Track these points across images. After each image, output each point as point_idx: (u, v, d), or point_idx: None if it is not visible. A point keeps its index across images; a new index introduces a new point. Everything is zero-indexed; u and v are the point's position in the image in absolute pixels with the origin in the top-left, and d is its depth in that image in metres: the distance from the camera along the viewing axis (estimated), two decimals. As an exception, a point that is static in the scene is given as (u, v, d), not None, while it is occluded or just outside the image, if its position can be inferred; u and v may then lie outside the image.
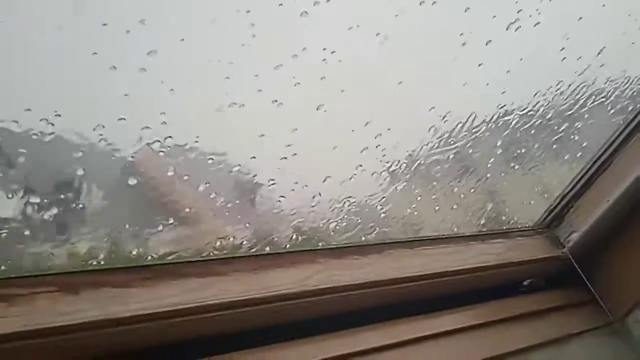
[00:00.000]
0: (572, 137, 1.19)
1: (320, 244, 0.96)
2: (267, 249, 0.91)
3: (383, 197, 1.03)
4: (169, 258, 0.82)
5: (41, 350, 0.64)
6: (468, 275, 1.06)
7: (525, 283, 1.22)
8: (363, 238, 1.01)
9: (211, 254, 0.85)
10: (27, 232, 0.73)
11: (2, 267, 0.71)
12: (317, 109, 0.89)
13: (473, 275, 1.07)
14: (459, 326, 1.01)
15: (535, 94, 1.12)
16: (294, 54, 0.82)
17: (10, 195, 0.71)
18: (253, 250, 0.89)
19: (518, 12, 0.98)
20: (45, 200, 0.74)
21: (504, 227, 1.21)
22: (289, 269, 0.87)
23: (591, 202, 1.19)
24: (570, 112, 1.18)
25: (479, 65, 1.01)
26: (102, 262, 0.77)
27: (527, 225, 1.26)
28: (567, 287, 1.22)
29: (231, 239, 0.89)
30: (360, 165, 0.98)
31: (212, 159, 0.86)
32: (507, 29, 0.99)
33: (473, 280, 1.08)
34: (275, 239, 0.93)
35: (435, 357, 0.96)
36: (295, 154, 0.89)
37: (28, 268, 0.74)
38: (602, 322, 1.17)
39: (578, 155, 1.25)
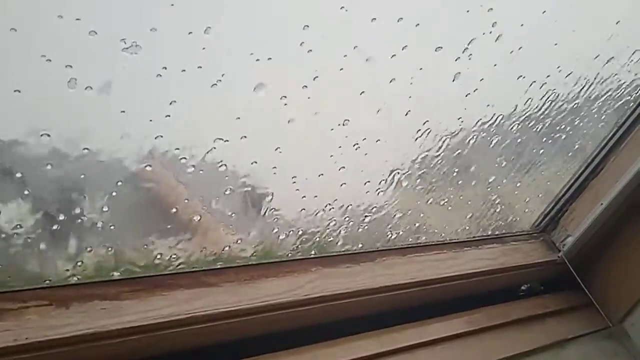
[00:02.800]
0: (565, 138, 1.19)
1: (312, 252, 0.96)
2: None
3: (384, 203, 1.03)
4: (170, 268, 0.82)
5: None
6: (462, 281, 1.06)
7: (522, 288, 1.22)
8: (360, 245, 1.01)
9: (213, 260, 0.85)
10: (31, 243, 0.73)
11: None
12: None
13: (467, 281, 1.07)
14: (453, 333, 1.01)
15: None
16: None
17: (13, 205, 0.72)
18: (255, 257, 0.89)
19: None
20: (48, 211, 0.74)
21: (498, 233, 1.21)
22: (281, 278, 0.87)
23: (585, 206, 1.19)
24: (564, 113, 1.19)
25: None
26: (113, 274, 0.77)
27: (522, 230, 1.26)
28: (563, 292, 1.22)
29: (234, 246, 0.89)
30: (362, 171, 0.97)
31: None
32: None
33: (467, 287, 1.08)
34: (278, 245, 0.93)
35: (430, 364, 0.96)
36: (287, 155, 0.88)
37: (29, 279, 0.74)
38: (599, 326, 1.17)
39: (571, 156, 1.25)
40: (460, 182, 1.16)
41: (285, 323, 0.85)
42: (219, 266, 0.83)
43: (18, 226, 0.70)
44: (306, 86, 0.83)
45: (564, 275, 1.21)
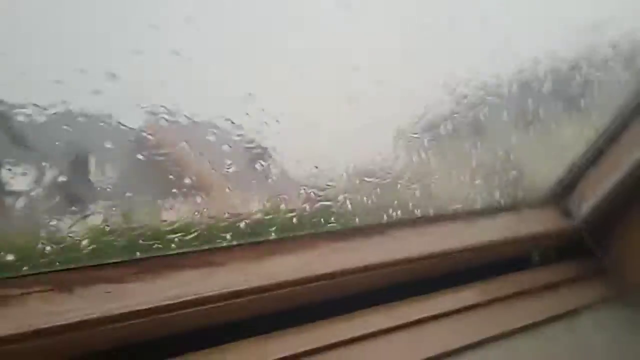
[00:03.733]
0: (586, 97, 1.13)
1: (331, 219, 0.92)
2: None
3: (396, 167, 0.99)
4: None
5: (35, 352, 0.63)
6: (474, 252, 1.04)
7: (536, 257, 1.19)
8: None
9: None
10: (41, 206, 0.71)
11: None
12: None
13: (479, 252, 1.05)
14: (465, 305, 0.99)
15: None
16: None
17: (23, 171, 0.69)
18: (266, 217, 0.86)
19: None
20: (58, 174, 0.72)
21: (511, 201, 1.17)
22: (289, 255, 0.85)
23: (603, 172, 1.15)
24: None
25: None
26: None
27: (536, 197, 1.22)
28: (578, 259, 1.19)
29: (244, 209, 0.86)
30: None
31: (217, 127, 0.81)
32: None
33: (480, 257, 1.06)
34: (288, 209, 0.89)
35: (442, 337, 0.94)
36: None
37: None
38: (614, 294, 1.15)
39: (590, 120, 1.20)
40: (472, 144, 1.12)
41: (295, 300, 0.83)
42: (225, 245, 0.81)
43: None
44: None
45: (579, 243, 1.18)
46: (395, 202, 1.02)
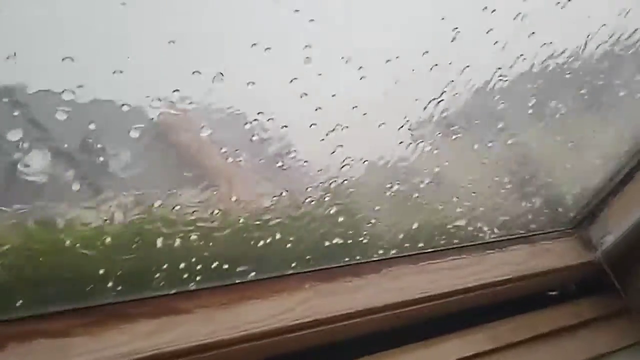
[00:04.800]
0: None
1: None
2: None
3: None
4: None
5: None
6: (484, 291, 0.92)
7: (554, 293, 1.07)
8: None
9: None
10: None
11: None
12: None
13: (490, 290, 0.93)
14: (474, 352, 0.87)
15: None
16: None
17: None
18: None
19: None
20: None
21: (526, 231, 1.05)
22: (267, 299, 0.74)
23: (631, 200, 1.02)
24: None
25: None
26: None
27: (554, 226, 1.09)
28: (599, 297, 1.06)
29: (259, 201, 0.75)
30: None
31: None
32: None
33: (490, 297, 0.94)
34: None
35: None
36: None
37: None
38: (638, 339, 1.02)
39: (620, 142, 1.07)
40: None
41: (271, 351, 0.72)
42: (190, 289, 0.70)
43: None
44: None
45: (601, 278, 1.06)
46: (392, 233, 0.90)
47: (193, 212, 0.70)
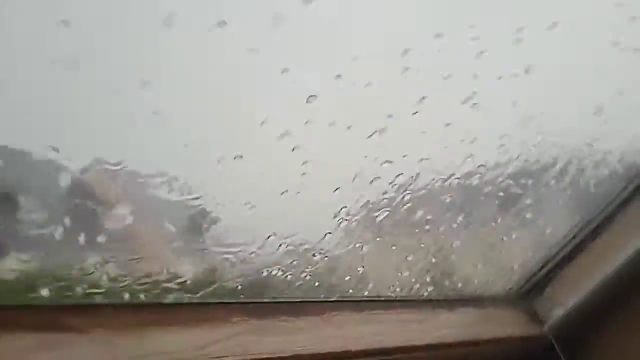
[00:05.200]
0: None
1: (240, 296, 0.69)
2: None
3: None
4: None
5: None
6: (429, 352, 0.82)
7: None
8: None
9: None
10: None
11: None
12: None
13: (436, 352, 0.83)
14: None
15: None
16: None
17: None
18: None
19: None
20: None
21: (474, 294, 0.98)
22: (186, 327, 0.60)
23: (580, 273, 0.99)
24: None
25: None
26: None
27: (501, 294, 1.03)
28: (545, 373, 0.99)
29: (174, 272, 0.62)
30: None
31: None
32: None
33: (435, 358, 0.84)
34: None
35: None
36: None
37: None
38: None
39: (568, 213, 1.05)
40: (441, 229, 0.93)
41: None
42: (86, 302, 0.55)
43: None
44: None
45: (548, 353, 0.99)
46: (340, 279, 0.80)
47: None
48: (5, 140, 0.52)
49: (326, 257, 0.77)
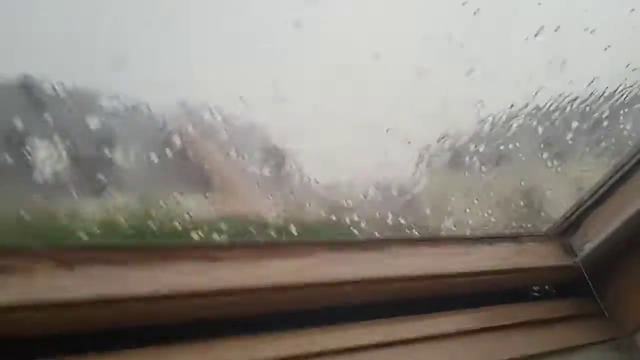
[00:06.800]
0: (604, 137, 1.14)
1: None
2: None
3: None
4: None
5: (37, 322, 0.66)
6: (471, 278, 1.05)
7: (534, 289, 1.19)
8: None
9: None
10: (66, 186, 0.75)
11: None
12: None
13: (476, 278, 1.05)
14: (459, 329, 1.00)
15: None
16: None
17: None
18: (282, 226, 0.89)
19: None
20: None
21: (515, 231, 1.18)
22: (286, 260, 0.87)
23: (610, 213, 1.15)
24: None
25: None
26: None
27: (540, 230, 1.22)
28: (575, 298, 1.19)
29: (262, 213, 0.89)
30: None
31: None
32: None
33: (476, 284, 1.06)
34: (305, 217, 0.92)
35: (430, 358, 0.95)
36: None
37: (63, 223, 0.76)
38: (608, 336, 1.14)
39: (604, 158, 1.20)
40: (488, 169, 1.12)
41: (287, 305, 0.85)
42: (226, 243, 0.84)
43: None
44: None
45: (579, 281, 1.18)
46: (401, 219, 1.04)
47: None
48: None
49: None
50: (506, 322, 1.06)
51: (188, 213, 0.84)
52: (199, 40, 0.74)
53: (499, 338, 1.04)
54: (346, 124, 0.89)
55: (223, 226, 0.87)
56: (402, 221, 1.03)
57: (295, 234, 0.94)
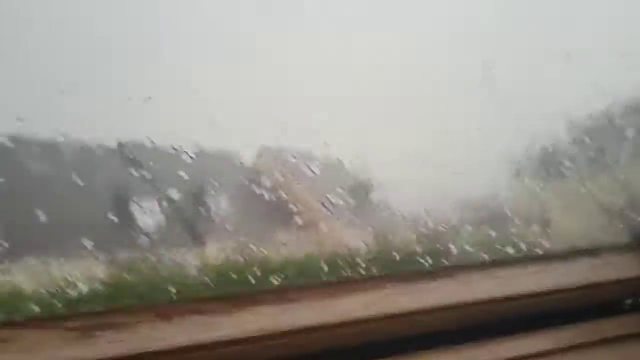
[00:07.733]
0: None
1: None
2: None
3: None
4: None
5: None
6: (545, 297, 1.04)
7: (627, 302, 1.15)
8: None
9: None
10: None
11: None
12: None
13: (552, 297, 1.05)
14: (539, 350, 1.00)
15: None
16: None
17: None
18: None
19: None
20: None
21: (590, 245, 1.15)
22: (357, 295, 0.93)
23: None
24: None
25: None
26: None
27: (619, 241, 1.19)
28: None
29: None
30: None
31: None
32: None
33: (553, 302, 1.05)
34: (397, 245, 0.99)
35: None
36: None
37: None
38: None
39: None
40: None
41: (360, 337, 0.91)
42: (300, 284, 0.91)
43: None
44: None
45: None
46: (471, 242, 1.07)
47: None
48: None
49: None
50: (588, 340, 1.04)
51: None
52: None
53: (583, 356, 1.02)
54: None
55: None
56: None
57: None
